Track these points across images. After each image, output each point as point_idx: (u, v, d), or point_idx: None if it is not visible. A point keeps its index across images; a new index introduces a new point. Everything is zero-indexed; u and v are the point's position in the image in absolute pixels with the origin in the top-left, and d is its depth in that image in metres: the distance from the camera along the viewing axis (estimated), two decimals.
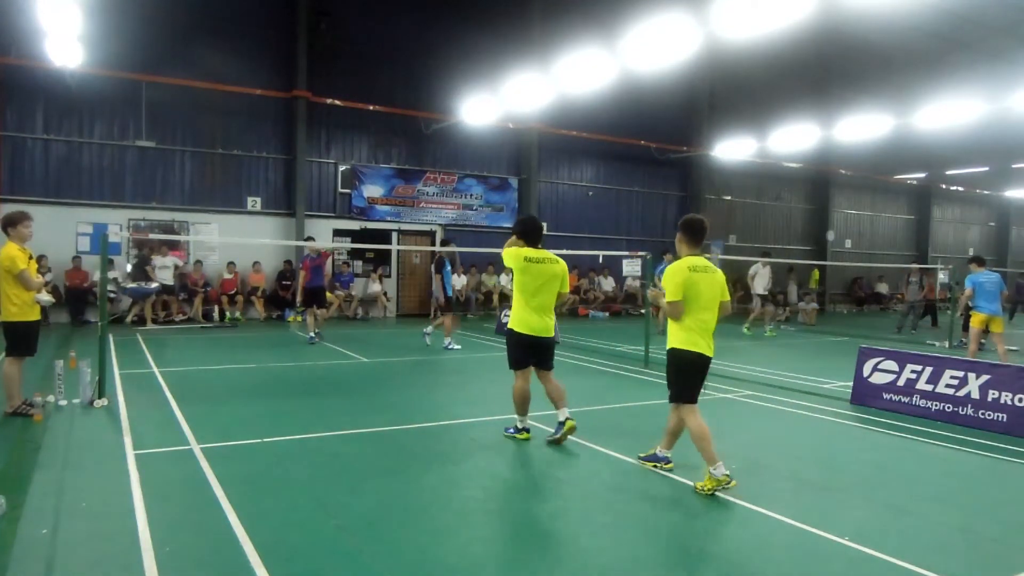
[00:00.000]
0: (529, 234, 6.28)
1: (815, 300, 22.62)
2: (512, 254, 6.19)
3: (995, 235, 35.72)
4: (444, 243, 13.45)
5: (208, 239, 17.22)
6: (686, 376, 5.18)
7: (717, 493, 4.92)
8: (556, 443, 6.19)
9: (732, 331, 16.39)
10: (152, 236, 15.78)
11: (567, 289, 6.46)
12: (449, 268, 12.79)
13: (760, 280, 16.84)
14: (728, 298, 5.31)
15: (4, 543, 3.89)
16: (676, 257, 5.42)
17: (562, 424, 6.15)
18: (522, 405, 6.33)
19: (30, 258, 6.81)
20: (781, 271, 24.67)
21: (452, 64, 19.63)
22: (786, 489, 5.25)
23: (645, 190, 24.10)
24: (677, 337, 5.18)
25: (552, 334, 6.31)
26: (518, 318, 6.20)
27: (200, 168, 17.23)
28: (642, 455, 5.73)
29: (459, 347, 12.74)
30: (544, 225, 6.46)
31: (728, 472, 4.93)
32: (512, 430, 6.45)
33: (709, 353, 5.18)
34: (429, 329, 13.03)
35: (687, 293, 5.06)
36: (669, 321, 5.24)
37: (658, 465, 5.56)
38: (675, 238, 5.46)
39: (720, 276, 5.26)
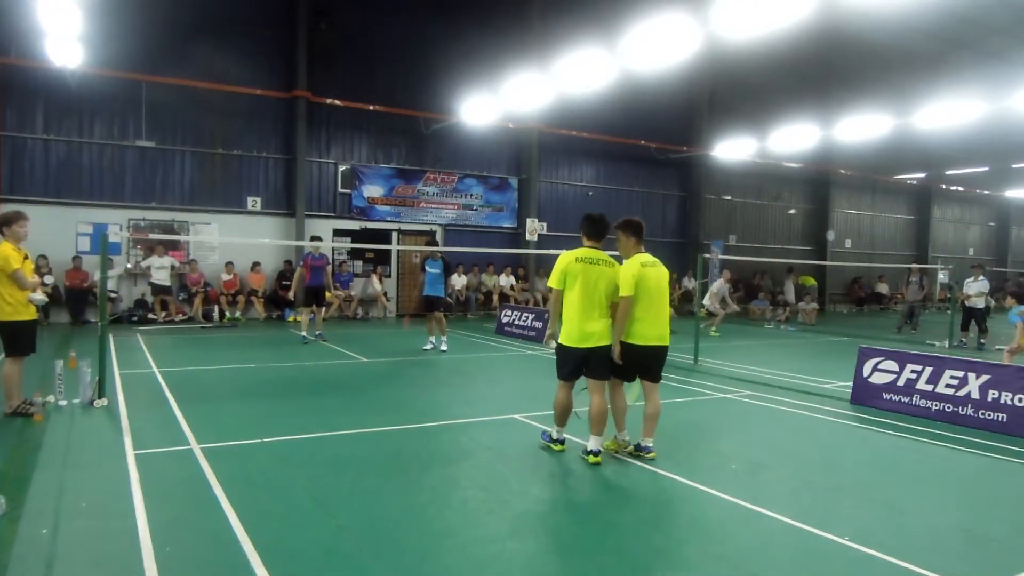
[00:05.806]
0: (590, 232, 5.90)
1: (815, 300, 22.60)
2: (555, 268, 5.77)
3: (995, 235, 35.71)
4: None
5: (208, 239, 17.21)
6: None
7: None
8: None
9: (735, 332, 16.38)
10: (152, 236, 15.77)
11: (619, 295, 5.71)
12: None
13: (713, 295, 16.50)
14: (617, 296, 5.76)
15: (4, 543, 3.89)
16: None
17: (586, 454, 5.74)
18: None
19: (25, 258, 6.81)
20: (780, 271, 24.73)
21: (452, 64, 19.62)
22: (786, 489, 5.25)
23: (645, 190, 24.09)
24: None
25: (610, 341, 5.73)
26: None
27: (200, 168, 17.22)
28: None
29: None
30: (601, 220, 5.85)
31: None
32: (546, 437, 6.13)
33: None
34: None
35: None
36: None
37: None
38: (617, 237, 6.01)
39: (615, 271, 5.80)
